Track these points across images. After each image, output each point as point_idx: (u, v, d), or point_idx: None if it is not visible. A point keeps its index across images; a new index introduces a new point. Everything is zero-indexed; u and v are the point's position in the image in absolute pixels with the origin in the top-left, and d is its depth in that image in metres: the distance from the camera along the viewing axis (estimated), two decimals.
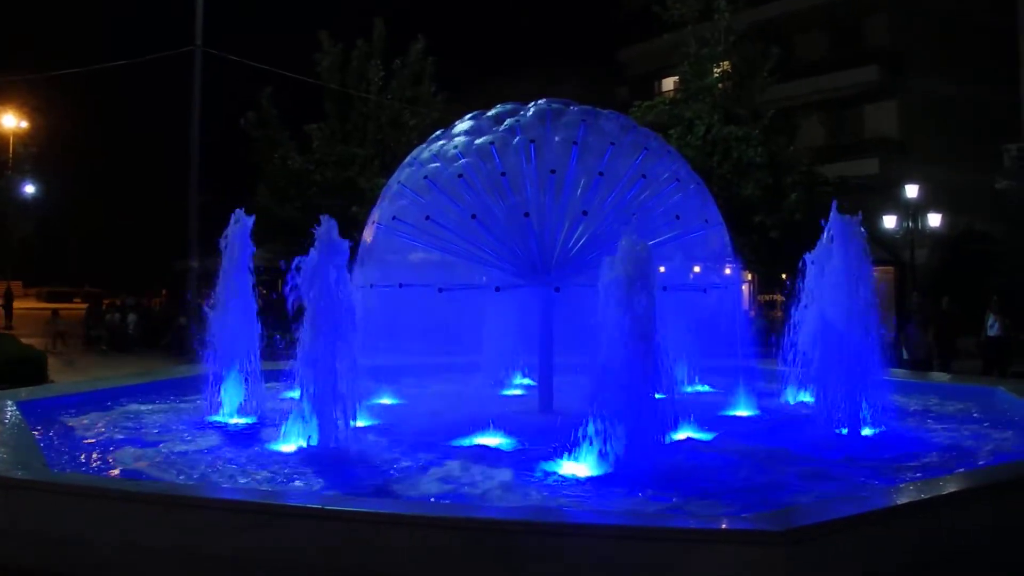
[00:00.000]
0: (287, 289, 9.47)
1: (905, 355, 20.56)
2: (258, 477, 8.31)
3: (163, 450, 9.32)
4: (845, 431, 10.22)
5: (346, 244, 9.66)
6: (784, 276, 28.55)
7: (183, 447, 9.53)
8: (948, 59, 38.05)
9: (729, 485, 8.05)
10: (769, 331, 20.29)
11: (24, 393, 11.86)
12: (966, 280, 30.38)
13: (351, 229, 11.83)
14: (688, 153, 25.01)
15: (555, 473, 8.25)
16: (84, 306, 39.89)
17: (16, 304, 44.41)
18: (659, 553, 5.68)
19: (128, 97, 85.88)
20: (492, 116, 12.57)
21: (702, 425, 10.16)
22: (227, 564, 6.26)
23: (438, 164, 12.02)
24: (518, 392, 13.95)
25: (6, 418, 9.71)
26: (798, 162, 31.31)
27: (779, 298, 31.92)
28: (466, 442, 9.62)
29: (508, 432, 9.82)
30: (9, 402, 10.51)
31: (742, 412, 11.98)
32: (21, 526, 6.86)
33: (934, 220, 31.28)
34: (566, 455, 8.38)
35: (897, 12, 39.22)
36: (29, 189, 46.37)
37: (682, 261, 12.13)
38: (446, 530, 5.97)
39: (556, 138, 11.81)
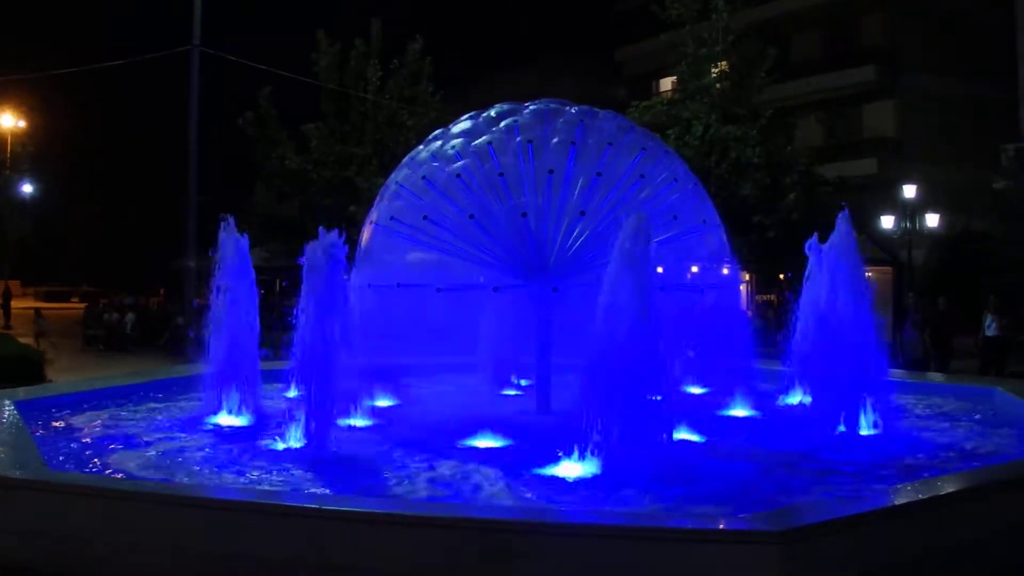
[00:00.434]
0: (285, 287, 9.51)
1: (902, 355, 20.56)
2: (255, 477, 8.32)
3: (160, 450, 9.32)
4: (843, 431, 10.24)
5: (341, 247, 9.67)
6: (782, 276, 28.61)
7: (180, 447, 9.53)
8: (946, 59, 38.09)
9: (726, 485, 8.06)
10: (767, 331, 20.29)
11: (22, 392, 11.85)
12: (964, 280, 30.40)
13: (349, 229, 11.83)
14: (686, 153, 25.02)
15: (552, 473, 8.25)
16: (82, 306, 39.85)
17: (14, 304, 44.30)
18: (656, 553, 5.69)
19: (126, 97, 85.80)
20: (490, 116, 12.56)
21: (700, 426, 10.17)
22: (224, 563, 6.27)
23: (436, 164, 12.02)
24: (516, 392, 13.94)
25: (4, 418, 9.72)
26: (796, 162, 31.32)
27: (775, 298, 31.92)
28: (463, 443, 9.62)
29: (505, 432, 9.83)
30: (7, 401, 10.51)
31: (740, 412, 11.99)
32: (19, 525, 6.86)
33: (932, 220, 31.24)
34: (563, 455, 8.39)
35: (894, 12, 39.25)
36: (27, 188, 46.33)
37: (680, 261, 12.13)
38: (442, 530, 5.98)
39: (554, 138, 11.80)
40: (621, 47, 49.38)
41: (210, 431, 10.48)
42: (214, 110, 31.03)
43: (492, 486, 7.89)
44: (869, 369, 10.53)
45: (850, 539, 5.96)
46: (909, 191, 30.51)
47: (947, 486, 7.08)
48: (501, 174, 11.52)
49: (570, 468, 8.27)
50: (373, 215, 12.53)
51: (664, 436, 8.59)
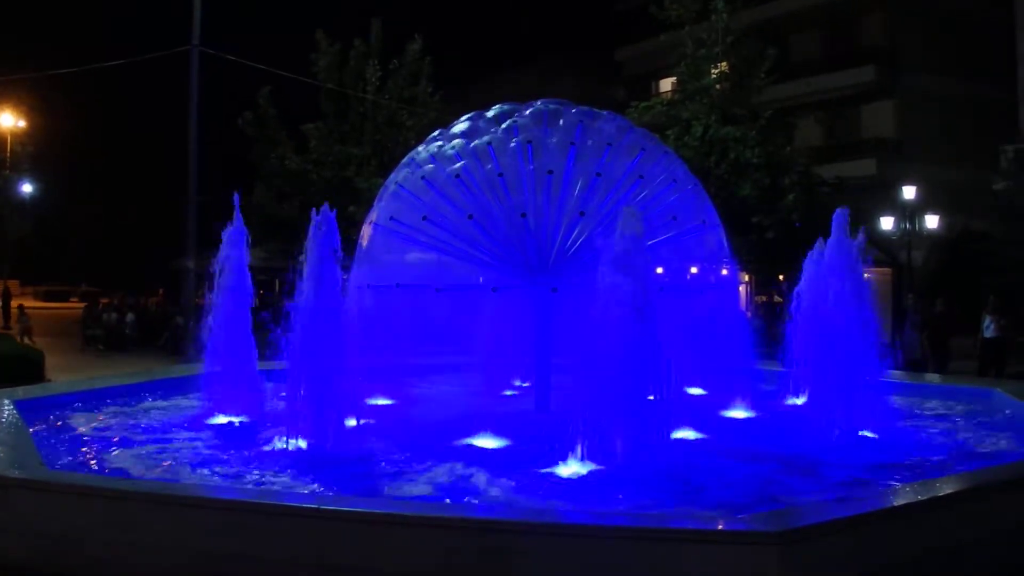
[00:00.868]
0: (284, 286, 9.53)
1: (901, 356, 20.56)
2: (253, 476, 8.32)
3: (159, 449, 9.33)
4: (841, 432, 10.24)
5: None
6: (781, 277, 28.59)
7: (179, 446, 9.54)
8: (945, 59, 38.11)
9: (725, 486, 8.06)
10: (766, 332, 20.29)
11: (21, 392, 11.85)
12: (964, 281, 30.40)
13: (348, 229, 11.84)
14: (685, 154, 25.00)
15: (551, 473, 8.26)
16: (81, 305, 39.84)
17: (13, 303, 44.23)
18: (655, 554, 5.69)
19: (126, 97, 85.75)
20: (490, 117, 12.57)
21: (699, 426, 10.18)
22: (223, 563, 6.27)
23: (435, 165, 12.03)
24: (515, 392, 13.95)
25: (3, 417, 9.72)
26: (795, 163, 31.30)
27: (774, 298, 31.92)
28: (462, 443, 9.63)
29: (505, 433, 9.84)
30: (6, 401, 10.51)
31: (739, 413, 11.99)
32: (18, 524, 6.86)
33: (931, 221, 31.25)
34: (563, 456, 8.39)
35: (894, 12, 39.25)
36: (27, 188, 46.32)
37: (679, 262, 12.14)
38: (441, 530, 5.98)
39: (553, 139, 11.81)
40: (621, 47, 49.40)
41: (209, 431, 10.48)
42: (214, 110, 31.02)
43: (491, 486, 7.90)
44: (868, 370, 10.54)
45: (849, 540, 5.97)
46: (909, 192, 30.50)
47: (946, 487, 7.08)
48: (500, 174, 11.52)
49: (569, 468, 8.28)
50: (372, 215, 12.53)
51: (663, 436, 8.60)
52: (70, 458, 8.90)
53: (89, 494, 6.87)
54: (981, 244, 32.75)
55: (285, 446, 9.26)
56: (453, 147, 12.09)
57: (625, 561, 5.64)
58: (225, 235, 11.46)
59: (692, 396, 13.13)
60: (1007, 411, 11.66)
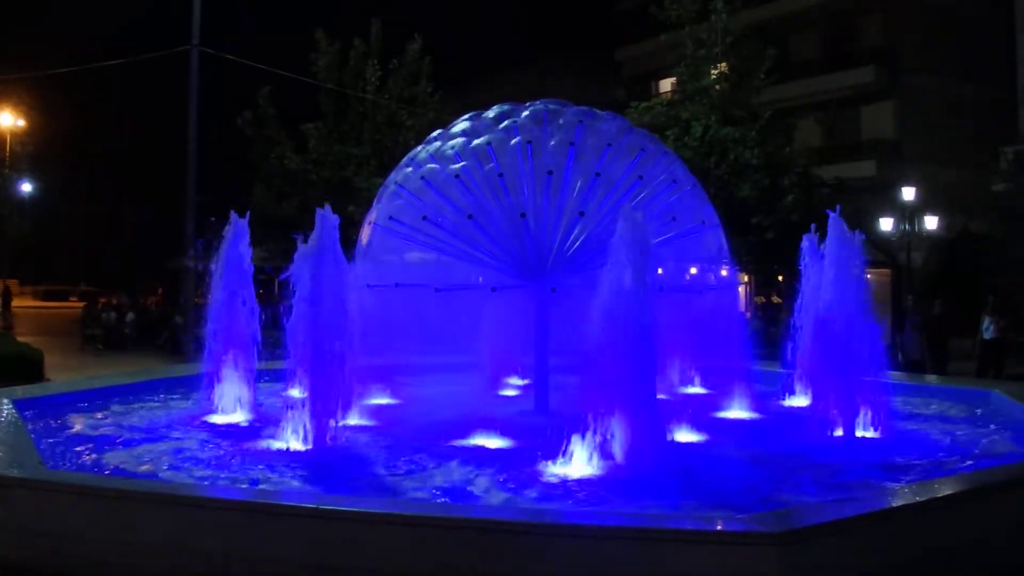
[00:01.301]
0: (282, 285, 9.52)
1: (901, 357, 20.58)
2: (252, 476, 8.31)
3: (158, 449, 9.32)
4: (841, 433, 10.24)
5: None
6: (780, 278, 28.61)
7: (178, 446, 9.53)
8: (945, 60, 38.11)
9: (724, 486, 8.06)
10: (766, 332, 20.31)
11: (20, 391, 11.84)
12: (963, 282, 30.43)
13: (348, 229, 11.84)
14: (685, 154, 25.00)
15: (551, 473, 8.26)
16: (81, 304, 39.86)
17: (13, 303, 44.32)
18: (655, 554, 5.69)
19: (126, 96, 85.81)
20: (489, 117, 12.58)
21: (698, 427, 10.18)
22: (222, 563, 6.27)
23: (435, 164, 12.03)
24: (514, 393, 13.95)
25: (2, 416, 9.71)
26: (795, 163, 31.31)
27: (773, 299, 31.93)
28: (461, 442, 9.63)
29: (504, 432, 9.84)
30: (5, 400, 10.51)
31: (739, 414, 12.00)
32: (17, 523, 6.86)
33: (931, 222, 31.28)
34: (562, 456, 8.39)
35: (893, 13, 39.25)
36: (26, 188, 46.32)
37: (678, 262, 12.14)
38: (440, 530, 5.98)
39: (553, 139, 11.81)
40: (620, 47, 49.38)
41: (208, 430, 10.48)
42: (213, 110, 31.05)
43: (490, 486, 7.89)
44: (867, 371, 10.54)
45: (848, 541, 5.96)
46: (908, 193, 30.52)
47: (945, 488, 7.08)
48: (500, 175, 11.53)
49: (569, 468, 8.28)
50: (372, 215, 12.53)
51: (664, 437, 8.60)
52: (69, 458, 8.89)
53: (88, 494, 6.87)
54: (980, 245, 32.80)
55: (285, 445, 9.26)
56: (453, 147, 12.10)
57: (624, 561, 5.64)
58: (225, 235, 11.46)
59: (692, 397, 13.15)
60: (1006, 412, 11.65)
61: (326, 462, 8.78)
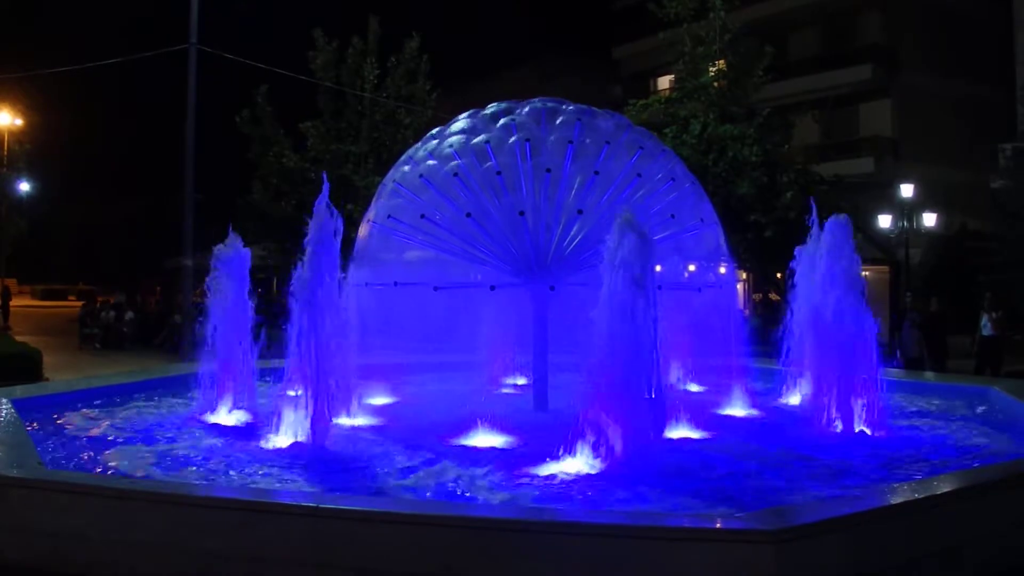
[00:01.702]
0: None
1: (899, 355, 20.59)
2: (251, 475, 8.31)
3: (156, 448, 9.33)
4: (839, 430, 10.25)
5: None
6: (779, 275, 28.61)
7: (177, 444, 9.53)
8: (943, 58, 38.10)
9: (722, 484, 8.07)
10: (764, 330, 20.31)
11: (19, 391, 11.84)
12: (961, 279, 30.43)
13: (346, 227, 11.83)
14: (683, 152, 25.00)
15: (549, 472, 8.26)
16: (79, 303, 39.85)
17: (12, 303, 44.30)
18: (651, 552, 5.69)
19: (124, 95, 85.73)
20: (488, 114, 12.57)
21: (697, 424, 10.19)
22: (220, 562, 6.27)
23: (433, 162, 12.02)
24: (513, 391, 13.95)
25: (1, 416, 9.71)
26: (793, 161, 31.31)
27: (770, 296, 31.94)
28: (460, 441, 9.63)
29: (502, 431, 9.84)
30: (4, 400, 10.50)
31: (737, 411, 12.01)
32: (16, 523, 6.86)
33: (929, 219, 31.32)
34: (561, 454, 8.40)
35: (892, 11, 39.25)
36: (24, 187, 46.29)
37: (677, 260, 12.14)
38: (439, 529, 5.98)
39: (552, 137, 11.81)
40: (619, 45, 49.32)
41: (207, 429, 10.48)
42: (211, 108, 30.98)
43: (489, 484, 7.90)
44: (866, 368, 10.55)
45: (846, 539, 5.97)
46: (906, 190, 30.56)
47: (943, 486, 7.09)
48: (499, 173, 11.52)
49: (567, 466, 8.28)
50: (370, 213, 12.53)
51: (661, 435, 8.60)
52: (68, 457, 8.89)
53: (87, 493, 6.87)
54: (978, 242, 32.81)
55: (283, 444, 9.26)
56: (451, 145, 12.09)
57: (623, 559, 5.64)
58: (225, 233, 11.46)
59: (691, 394, 13.15)
60: (1005, 409, 11.67)
61: (325, 461, 8.78)
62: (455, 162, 11.76)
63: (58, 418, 10.80)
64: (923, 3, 38.74)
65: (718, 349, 12.61)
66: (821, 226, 11.59)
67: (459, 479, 8.09)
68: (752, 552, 5.58)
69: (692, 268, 12.72)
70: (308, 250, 9.64)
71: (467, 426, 9.88)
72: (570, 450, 8.35)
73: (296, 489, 7.86)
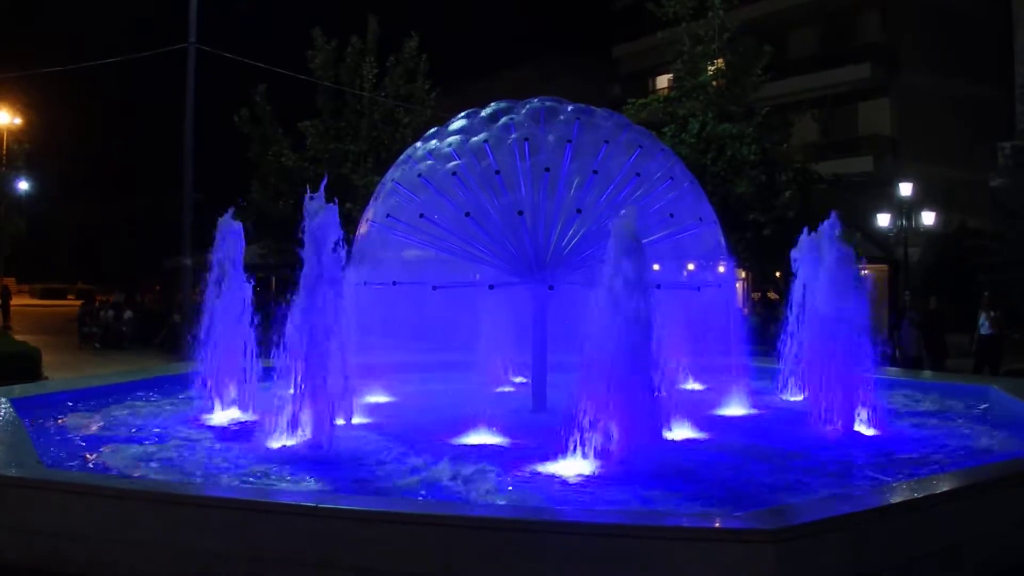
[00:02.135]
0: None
1: (898, 353, 20.61)
2: (250, 474, 8.31)
3: (156, 447, 9.32)
4: (839, 429, 10.25)
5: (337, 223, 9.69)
6: (778, 274, 28.63)
7: (176, 444, 9.53)
8: (942, 57, 38.11)
9: (722, 483, 8.07)
10: (763, 329, 20.32)
11: (18, 390, 11.84)
12: (960, 278, 30.45)
13: (345, 226, 11.83)
14: (682, 151, 24.99)
15: (548, 471, 8.26)
16: (78, 303, 39.83)
17: (12, 302, 44.25)
18: (650, 551, 5.69)
19: (123, 94, 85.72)
20: (486, 114, 12.57)
21: (696, 424, 10.19)
22: (220, 562, 6.27)
23: (432, 162, 12.02)
24: (512, 390, 13.95)
25: (0, 415, 9.70)
26: (792, 160, 31.32)
27: (768, 295, 31.95)
28: (459, 440, 9.63)
29: (501, 430, 9.84)
30: (3, 399, 10.50)
31: (736, 411, 12.01)
32: (15, 523, 6.85)
33: (928, 218, 31.34)
34: (560, 453, 8.39)
35: (891, 9, 39.25)
36: (23, 186, 46.26)
37: (676, 259, 12.15)
38: (439, 528, 5.98)
39: (550, 136, 11.81)
40: (617, 44, 49.33)
41: (206, 429, 10.48)
42: (210, 107, 30.99)
43: (488, 484, 7.89)
44: (865, 367, 10.55)
45: (845, 538, 5.97)
46: (905, 189, 30.58)
47: (943, 485, 7.09)
48: (497, 172, 11.52)
49: (566, 466, 8.28)
50: (369, 213, 12.53)
51: (661, 434, 8.60)
52: (67, 457, 8.88)
53: (86, 493, 6.86)
54: (977, 241, 32.82)
55: (283, 444, 9.26)
56: (450, 144, 12.09)
57: (623, 559, 5.65)
58: (222, 233, 11.45)
59: (690, 393, 13.15)
60: (1005, 408, 11.67)
61: (324, 460, 8.77)
62: (454, 161, 11.76)
63: (57, 417, 10.80)
64: (922, 2, 38.75)
65: (717, 348, 12.61)
66: (813, 228, 11.63)
67: (458, 478, 8.08)
68: (752, 552, 5.58)
69: (691, 267, 12.73)
70: (307, 249, 9.63)
71: (466, 425, 9.88)
72: (569, 450, 8.35)
73: (295, 489, 7.86)
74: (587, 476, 8.08)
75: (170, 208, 31.94)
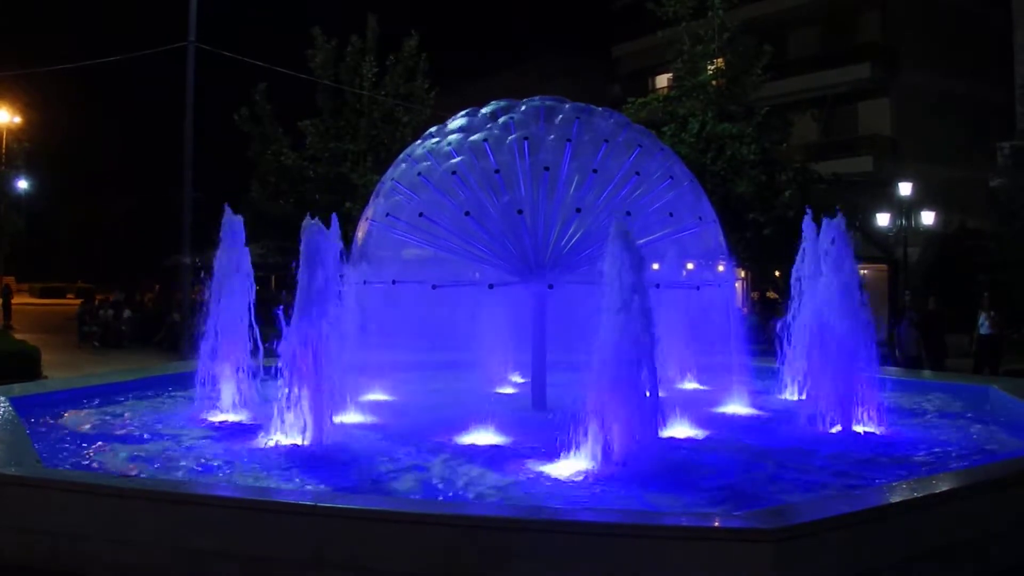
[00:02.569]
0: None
1: (898, 353, 20.59)
2: (251, 473, 8.30)
3: (155, 446, 9.32)
4: (838, 429, 10.25)
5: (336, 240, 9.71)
6: (777, 273, 28.65)
7: (175, 443, 9.52)
8: (942, 57, 38.12)
9: (721, 483, 8.07)
10: (762, 328, 20.30)
11: (18, 389, 11.83)
12: (960, 278, 30.47)
13: (344, 225, 11.84)
14: (682, 150, 25.01)
15: (548, 471, 8.25)
16: (78, 301, 39.79)
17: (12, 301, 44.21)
18: (650, 550, 5.69)
19: (122, 93, 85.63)
20: (486, 113, 12.57)
21: (696, 423, 10.18)
22: (219, 561, 6.27)
23: (432, 161, 12.02)
24: (511, 389, 13.94)
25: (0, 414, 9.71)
26: (792, 160, 31.33)
27: (767, 295, 31.97)
28: (459, 439, 9.62)
29: (501, 429, 9.83)
30: (3, 398, 10.49)
31: (736, 409, 12.00)
32: (14, 522, 6.85)
33: (928, 218, 31.34)
34: (559, 452, 8.39)
35: (891, 9, 39.25)
36: (22, 184, 46.24)
37: (676, 258, 12.15)
38: (439, 528, 5.98)
39: (550, 135, 11.81)
40: (617, 44, 49.34)
41: (205, 427, 10.48)
42: (210, 106, 30.99)
43: (488, 483, 7.89)
44: (864, 367, 10.55)
45: (845, 538, 5.97)
46: (905, 188, 30.58)
47: (942, 484, 7.09)
48: (497, 171, 11.52)
49: (566, 465, 8.28)
50: (369, 212, 12.53)
51: (661, 433, 8.59)
52: (66, 456, 8.88)
53: (86, 492, 6.85)
54: (977, 241, 32.84)
55: (282, 443, 9.25)
56: (449, 143, 12.09)
57: (622, 558, 5.64)
58: (224, 231, 11.44)
59: (689, 392, 13.15)
60: (1004, 408, 11.67)
61: (324, 459, 8.77)
62: (454, 160, 11.76)
63: (57, 416, 10.79)
64: (922, 2, 38.76)
65: (717, 347, 12.61)
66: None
67: (456, 477, 8.08)
68: (751, 551, 5.58)
69: (691, 266, 12.72)
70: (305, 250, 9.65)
71: (465, 424, 9.87)
72: (569, 449, 8.35)
73: (295, 487, 7.85)
74: (587, 475, 8.08)
75: (169, 207, 31.90)
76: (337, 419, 9.81)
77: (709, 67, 31.06)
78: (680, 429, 9.89)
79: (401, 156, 12.95)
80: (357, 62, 33.59)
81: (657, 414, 8.45)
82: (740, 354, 12.62)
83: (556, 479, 8.06)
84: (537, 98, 12.65)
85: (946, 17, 38.62)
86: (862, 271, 11.13)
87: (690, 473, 8.26)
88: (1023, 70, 34.96)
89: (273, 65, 30.45)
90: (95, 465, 8.60)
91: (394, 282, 11.36)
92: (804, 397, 11.85)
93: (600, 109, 12.91)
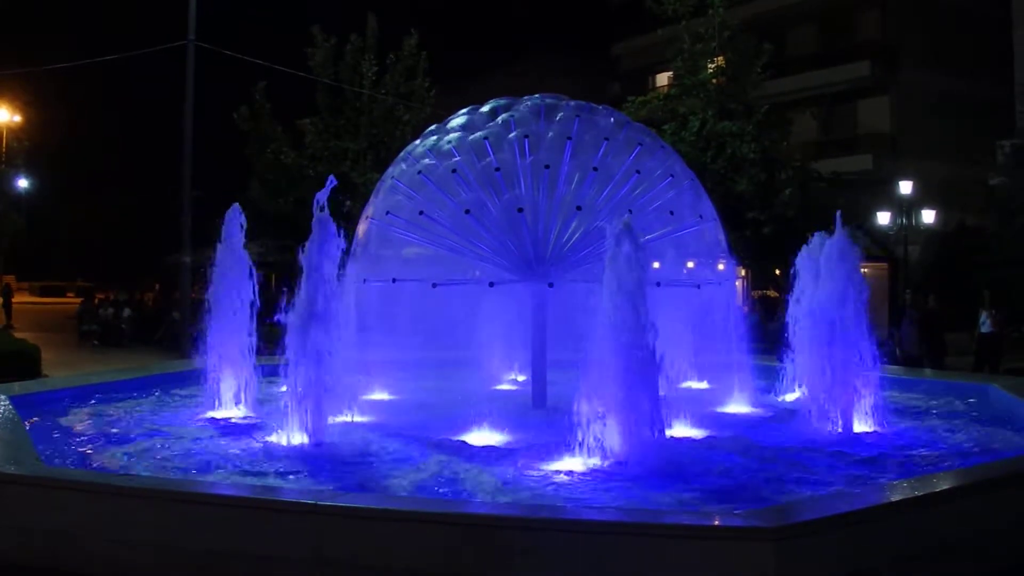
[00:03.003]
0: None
1: (898, 352, 20.60)
2: (251, 472, 8.30)
3: (155, 444, 9.31)
4: (839, 428, 10.24)
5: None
6: (778, 272, 28.65)
7: (175, 441, 9.51)
8: (942, 55, 38.08)
9: (721, 481, 8.06)
10: (763, 327, 20.31)
11: (17, 387, 11.83)
12: (959, 276, 30.47)
13: (344, 224, 11.83)
14: (682, 149, 25.01)
15: (548, 469, 8.25)
16: (78, 300, 39.81)
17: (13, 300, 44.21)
18: (649, 549, 5.69)
19: (122, 91, 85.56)
20: (486, 111, 12.56)
21: (696, 421, 10.18)
22: (219, 560, 6.26)
23: (432, 159, 12.01)
24: (511, 388, 13.93)
25: None
26: (791, 158, 31.32)
27: (768, 294, 31.98)
28: (459, 437, 9.61)
29: (501, 428, 9.83)
30: (2, 396, 10.48)
31: (737, 408, 11.99)
32: (14, 521, 6.85)
33: (928, 216, 31.35)
34: (559, 451, 8.38)
35: (890, 8, 39.23)
36: (22, 183, 46.24)
37: (676, 257, 12.13)
38: (439, 526, 5.97)
39: (550, 133, 11.80)
40: (617, 42, 49.33)
41: (205, 426, 10.47)
42: (209, 105, 30.96)
43: (488, 481, 7.89)
44: (865, 365, 10.54)
45: (845, 536, 5.96)
46: (905, 187, 30.60)
47: (942, 483, 7.09)
48: (497, 169, 11.51)
49: (567, 463, 8.27)
50: (369, 210, 12.52)
51: (661, 432, 8.59)
52: (66, 454, 8.88)
53: (86, 490, 6.85)
54: (977, 239, 32.84)
55: (282, 441, 9.25)
56: (449, 141, 12.08)
57: (622, 557, 5.64)
58: (224, 229, 11.44)
59: (690, 391, 13.14)
60: (1005, 407, 11.65)
61: (325, 458, 8.77)
62: (454, 159, 11.75)
63: (57, 415, 10.78)
64: (922, 0, 38.70)
65: (718, 346, 12.60)
66: (813, 227, 11.61)
67: (458, 476, 8.08)
68: (751, 549, 5.58)
69: (691, 265, 12.71)
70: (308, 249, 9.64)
71: (465, 423, 9.87)
72: (569, 447, 8.34)
73: (295, 486, 7.85)
74: (587, 473, 8.07)
75: (169, 205, 31.89)
76: (338, 417, 9.81)
77: (709, 65, 31.06)
78: (681, 428, 9.89)
79: (401, 154, 12.95)
80: (357, 61, 33.55)
81: (658, 412, 8.45)
82: (741, 352, 12.60)
83: (557, 477, 8.05)
84: (537, 96, 12.64)
85: (945, 15, 38.59)
86: (862, 270, 11.09)
87: (690, 471, 8.24)
88: (1023, 68, 34.94)
89: (273, 63, 30.47)
90: (95, 464, 8.60)
91: (394, 280, 11.36)
92: (805, 396, 11.86)
93: (600, 107, 12.91)
